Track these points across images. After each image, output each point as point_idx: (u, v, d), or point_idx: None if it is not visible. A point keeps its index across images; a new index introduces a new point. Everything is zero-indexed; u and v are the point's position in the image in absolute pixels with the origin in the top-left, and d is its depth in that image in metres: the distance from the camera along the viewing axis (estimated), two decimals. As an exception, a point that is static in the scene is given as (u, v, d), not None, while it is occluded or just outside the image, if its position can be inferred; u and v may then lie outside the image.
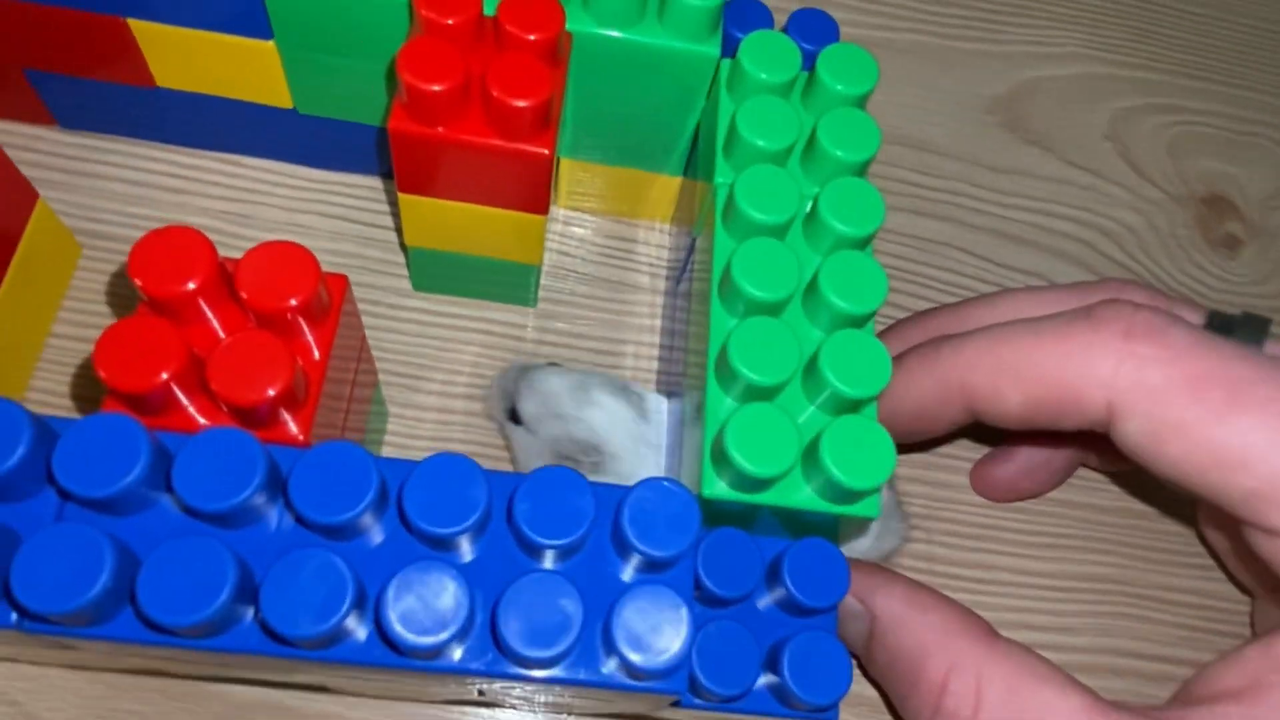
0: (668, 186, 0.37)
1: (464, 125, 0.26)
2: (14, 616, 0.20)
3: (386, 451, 0.33)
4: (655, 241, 0.39)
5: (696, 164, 0.33)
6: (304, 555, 0.19)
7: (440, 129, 0.26)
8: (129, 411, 0.21)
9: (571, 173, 0.36)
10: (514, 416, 0.31)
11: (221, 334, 0.23)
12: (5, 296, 0.30)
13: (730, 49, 0.30)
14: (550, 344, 0.36)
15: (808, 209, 0.27)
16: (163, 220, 0.36)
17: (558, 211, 0.39)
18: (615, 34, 0.29)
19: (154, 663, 0.26)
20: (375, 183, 0.38)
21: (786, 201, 0.26)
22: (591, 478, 0.21)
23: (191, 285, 0.21)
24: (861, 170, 0.27)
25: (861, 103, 0.28)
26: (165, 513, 0.21)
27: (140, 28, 0.30)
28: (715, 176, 0.28)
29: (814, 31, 0.32)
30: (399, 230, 0.37)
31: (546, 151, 0.27)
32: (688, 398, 0.28)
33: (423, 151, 0.27)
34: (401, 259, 0.36)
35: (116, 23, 0.30)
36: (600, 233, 0.39)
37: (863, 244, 0.26)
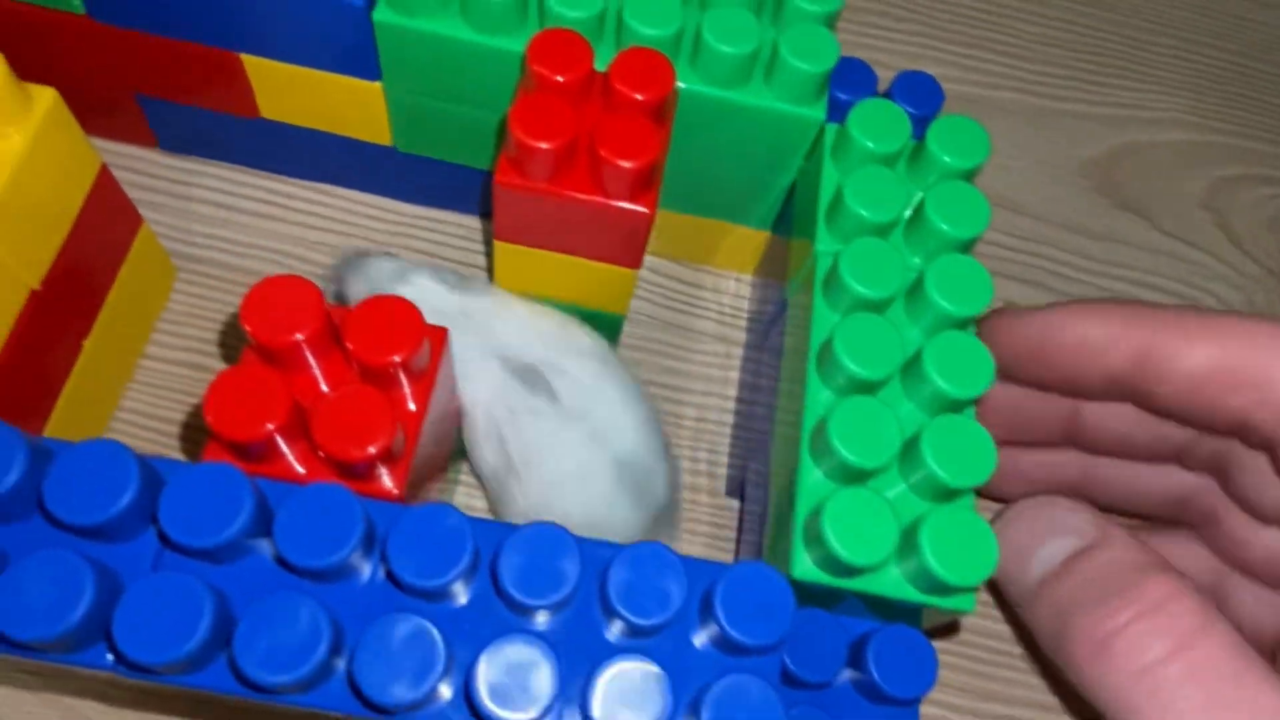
0: (747, 238, 0.36)
1: (569, 181, 0.26)
2: (110, 659, 0.20)
3: (459, 491, 0.33)
4: (728, 290, 0.38)
5: (791, 222, 0.32)
6: (396, 619, 0.19)
7: (545, 184, 0.26)
8: (231, 458, 0.21)
9: (658, 219, 0.36)
10: (340, 298, 0.31)
11: (324, 385, 0.23)
12: (105, 317, 0.30)
13: (835, 112, 0.30)
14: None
15: (912, 283, 0.26)
16: (254, 245, 0.36)
17: (641, 257, 0.38)
18: (722, 94, 0.29)
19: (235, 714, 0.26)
20: (467, 220, 0.38)
21: (891, 276, 0.25)
22: None
23: (300, 336, 0.22)
24: (969, 246, 0.27)
25: (971, 176, 0.28)
26: (260, 562, 0.21)
27: (252, 63, 0.31)
28: (817, 244, 0.27)
29: (919, 95, 0.31)
30: (489, 270, 0.37)
31: (648, 211, 0.27)
32: (776, 466, 0.27)
33: (526, 205, 0.27)
34: (485, 298, 0.36)
35: (230, 57, 0.31)
36: (666, 275, 0.38)
37: (967, 324, 0.26)
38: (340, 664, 0.20)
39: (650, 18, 0.28)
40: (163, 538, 0.20)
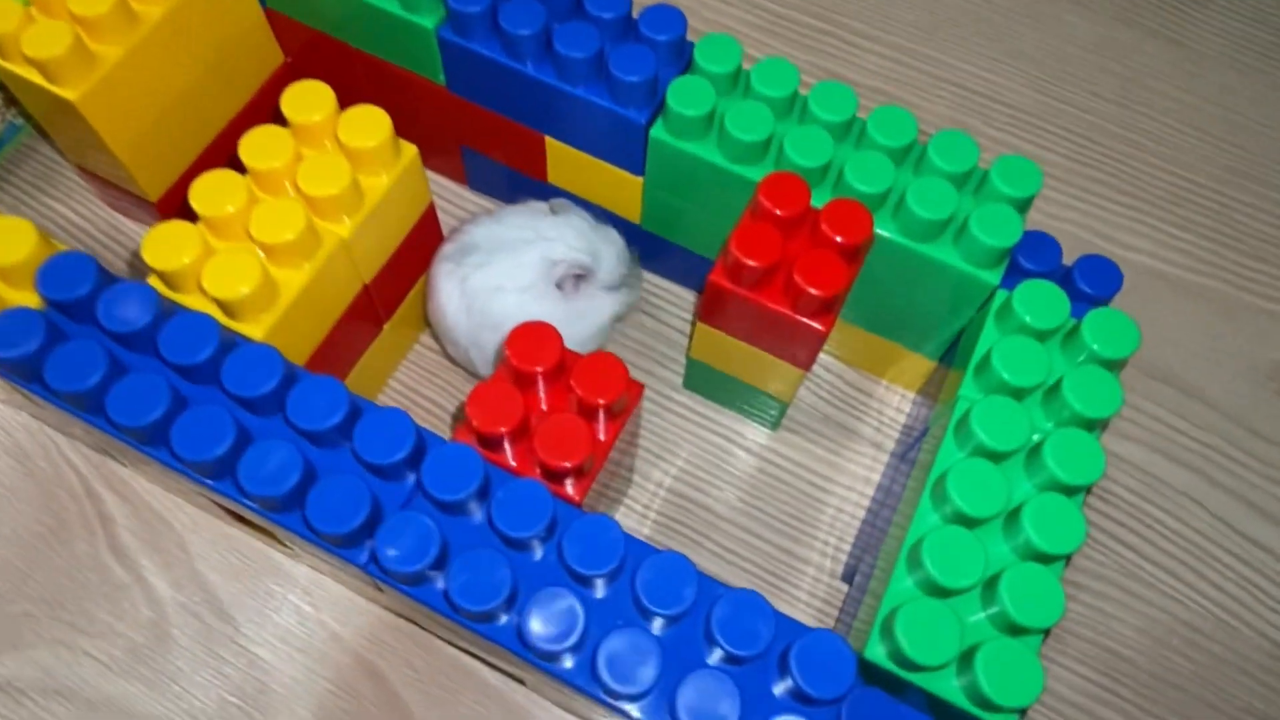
0: (917, 363, 0.41)
1: (767, 293, 0.33)
2: (366, 561, 0.28)
3: (622, 510, 0.40)
4: (891, 403, 0.43)
5: (952, 360, 0.37)
6: (556, 593, 0.26)
7: (748, 291, 0.33)
8: (473, 443, 0.29)
9: (842, 330, 0.42)
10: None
11: (546, 406, 0.30)
12: (403, 309, 0.40)
13: (1015, 276, 0.35)
14: (774, 464, 0.41)
15: (1033, 444, 0.30)
16: (515, 275, 0.45)
17: (820, 355, 0.44)
18: (913, 245, 0.34)
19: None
20: (683, 292, 0.45)
21: (1015, 434, 0.30)
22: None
23: (539, 369, 0.29)
24: (1095, 425, 0.30)
25: (1116, 367, 0.31)
26: (475, 523, 0.29)
27: (552, 143, 0.40)
28: (962, 388, 0.32)
29: (1098, 277, 0.35)
30: (690, 340, 0.44)
31: (824, 330, 0.33)
32: (880, 563, 0.32)
33: (730, 304, 0.34)
34: (683, 360, 0.44)
35: (537, 136, 0.40)
36: (842, 379, 0.44)
37: (1074, 491, 0.29)
38: (510, 614, 0.28)
39: (865, 176, 0.34)
40: (419, 485, 0.28)
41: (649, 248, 0.44)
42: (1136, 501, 0.42)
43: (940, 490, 0.29)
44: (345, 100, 0.34)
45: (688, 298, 0.45)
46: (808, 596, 0.39)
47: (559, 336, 0.30)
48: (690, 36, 0.41)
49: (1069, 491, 0.29)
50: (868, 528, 0.39)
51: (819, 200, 0.35)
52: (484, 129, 0.42)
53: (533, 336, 0.30)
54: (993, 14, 0.55)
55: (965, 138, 0.35)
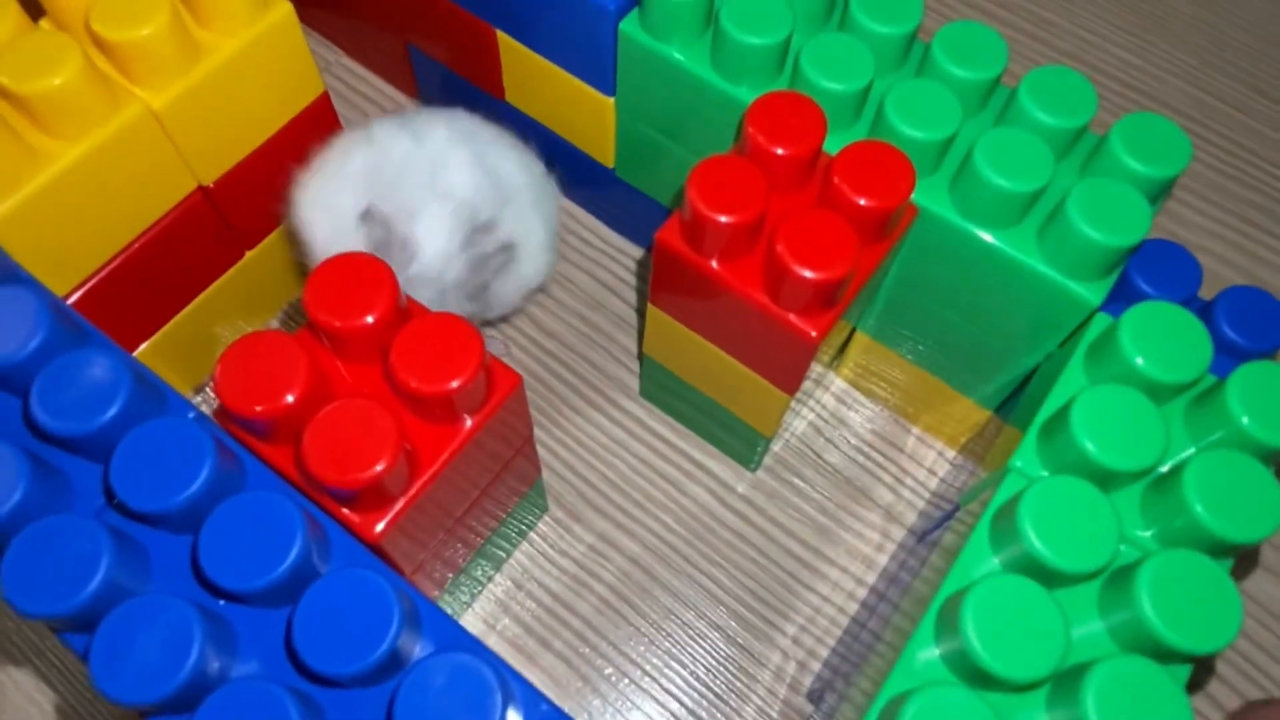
0: (965, 411, 0.29)
1: (737, 268, 0.22)
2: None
3: (517, 556, 0.29)
4: (925, 461, 0.31)
5: (1016, 413, 0.25)
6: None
7: (708, 262, 0.22)
8: (225, 422, 0.19)
9: (865, 352, 0.30)
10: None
11: (348, 378, 0.20)
12: (279, 235, 0.30)
13: (1124, 300, 0.23)
14: (750, 519, 0.30)
15: (1119, 567, 0.18)
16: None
17: (833, 380, 0.33)
18: (975, 230, 0.23)
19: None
20: (662, 268, 0.34)
21: (1093, 546, 0.18)
22: None
23: (344, 323, 0.19)
24: (1231, 550, 0.18)
25: (1275, 458, 0.19)
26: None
27: (506, 42, 0.30)
28: (1014, 458, 0.20)
29: (1253, 319, 0.23)
30: (640, 331, 0.33)
31: (815, 335, 0.21)
32: (863, 686, 0.21)
33: (684, 275, 0.23)
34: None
35: (487, 29, 0.30)
36: (869, 425, 0.32)
37: (1183, 658, 0.18)
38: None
39: (917, 113, 0.22)
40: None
41: (626, 202, 0.33)
42: None
43: (950, 620, 0.18)
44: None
45: (671, 280, 0.34)
46: (753, 716, 0.28)
47: (389, 274, 0.20)
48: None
49: (1173, 658, 0.17)
50: (857, 630, 0.28)
51: (841, 143, 0.23)
52: (429, 19, 0.32)
53: (350, 272, 0.19)
54: (1137, -21, 0.42)
55: (1078, 78, 0.23)
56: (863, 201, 0.21)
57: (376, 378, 0.20)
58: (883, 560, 0.30)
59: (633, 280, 0.34)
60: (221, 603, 0.18)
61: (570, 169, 0.33)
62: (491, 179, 0.26)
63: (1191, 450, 0.20)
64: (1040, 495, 0.18)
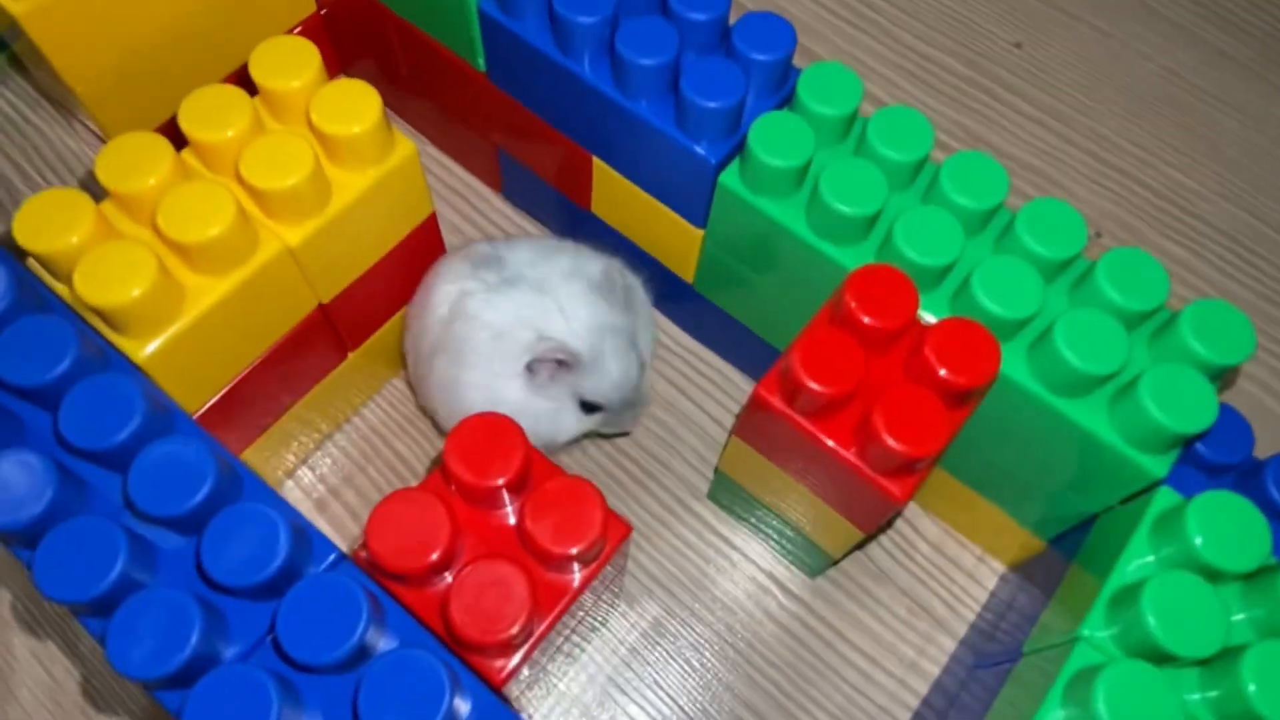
0: (1021, 538, 0.31)
1: (831, 428, 0.23)
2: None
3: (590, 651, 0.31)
4: (980, 578, 0.33)
5: (1076, 550, 0.27)
6: None
7: (803, 418, 0.24)
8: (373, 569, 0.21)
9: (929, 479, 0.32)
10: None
11: (477, 541, 0.22)
12: (376, 339, 0.32)
13: (1191, 475, 0.24)
14: (799, 620, 0.32)
15: (1184, 743, 0.20)
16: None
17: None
18: (1051, 399, 0.24)
19: None
20: (734, 375, 0.36)
21: (1160, 727, 0.20)
22: None
23: (485, 482, 0.21)
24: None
25: (1328, 646, 0.21)
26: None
27: (600, 167, 0.31)
28: (1084, 626, 0.22)
29: (1302, 484, 0.25)
30: (724, 446, 0.35)
31: (902, 499, 0.23)
32: None
33: (778, 429, 0.24)
34: (713, 462, 0.34)
35: (584, 154, 0.31)
36: (922, 535, 0.34)
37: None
38: None
39: (1002, 290, 0.24)
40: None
41: (700, 313, 0.35)
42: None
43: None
44: (383, 84, 0.26)
45: (739, 383, 0.36)
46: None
47: (521, 436, 0.21)
48: (800, 61, 0.32)
49: (1230, 837, 0.19)
50: (909, 741, 0.29)
51: (930, 312, 0.25)
52: (524, 133, 0.33)
53: (486, 432, 0.21)
54: (1186, 94, 0.44)
55: (1152, 262, 0.25)
56: (952, 378, 0.23)
57: (501, 522, 0.22)
58: (935, 671, 0.31)
59: (700, 381, 0.36)
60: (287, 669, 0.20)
61: (649, 277, 0.35)
62: (620, 295, 0.29)
63: (1256, 646, 0.21)
64: (1118, 681, 0.20)
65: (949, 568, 0.33)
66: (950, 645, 0.32)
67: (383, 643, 0.20)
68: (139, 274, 0.22)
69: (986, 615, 0.32)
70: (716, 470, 0.32)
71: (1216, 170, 0.42)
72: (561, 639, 0.25)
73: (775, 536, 0.32)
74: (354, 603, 0.19)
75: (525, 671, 0.23)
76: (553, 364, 0.27)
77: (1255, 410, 0.36)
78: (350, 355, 0.32)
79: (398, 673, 0.19)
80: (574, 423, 0.29)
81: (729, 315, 0.33)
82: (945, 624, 0.32)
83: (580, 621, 0.26)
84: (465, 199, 0.39)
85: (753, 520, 0.32)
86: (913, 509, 0.34)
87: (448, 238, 0.36)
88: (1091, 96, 0.44)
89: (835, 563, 0.31)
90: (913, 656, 0.32)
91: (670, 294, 0.35)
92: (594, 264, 0.29)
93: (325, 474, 0.33)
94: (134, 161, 0.24)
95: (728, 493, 0.32)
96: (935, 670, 0.32)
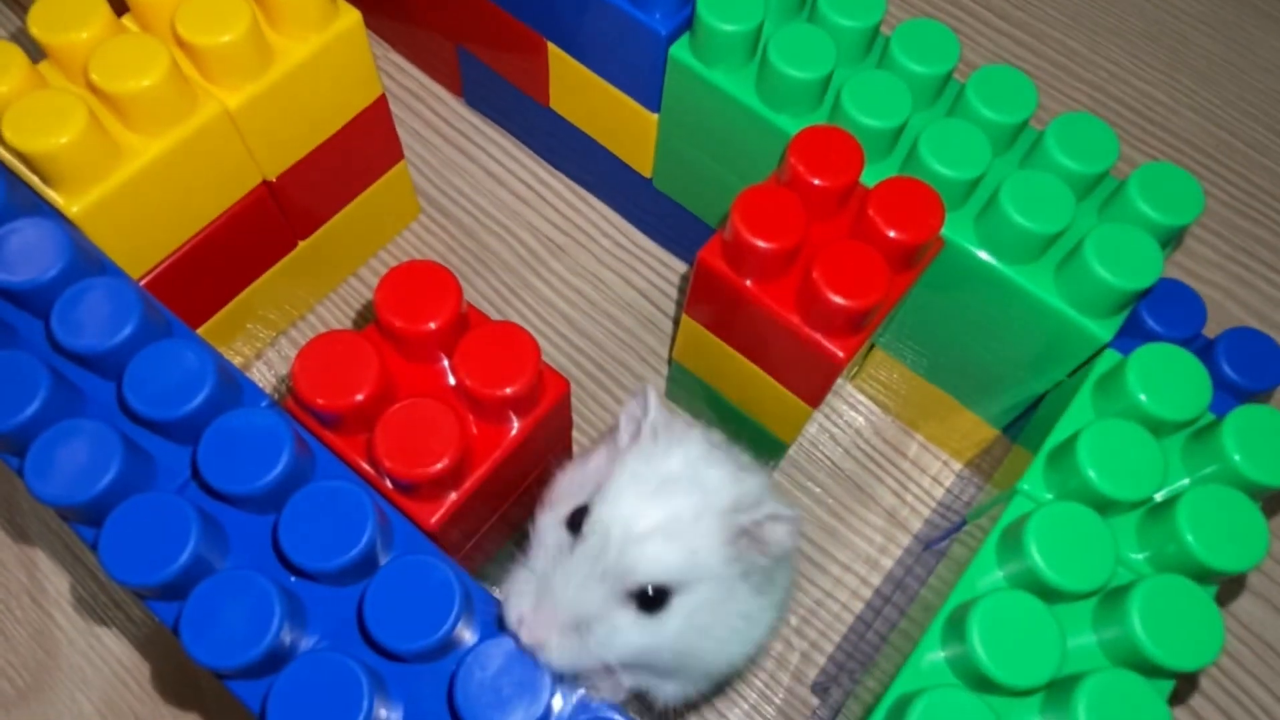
0: (973, 427, 0.31)
1: (773, 290, 0.23)
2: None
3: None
4: (930, 470, 0.33)
5: (1020, 434, 0.27)
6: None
7: (748, 282, 0.23)
8: (304, 416, 0.21)
9: (877, 363, 0.32)
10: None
11: (405, 383, 0.22)
12: (330, 228, 0.32)
13: (1131, 337, 0.24)
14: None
15: (1116, 586, 0.20)
16: (494, 217, 0.36)
17: (843, 385, 0.34)
18: (998, 265, 0.24)
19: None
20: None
21: (1090, 568, 0.19)
22: None
23: (420, 326, 0.20)
24: (1217, 577, 0.20)
25: (1264, 494, 0.21)
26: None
27: (556, 54, 0.31)
28: (1022, 481, 0.22)
29: (1254, 360, 0.24)
30: (673, 336, 0.34)
31: (843, 356, 0.23)
32: (870, 685, 0.22)
33: (722, 293, 0.24)
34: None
35: (538, 40, 0.31)
36: (869, 423, 0.34)
37: (1166, 674, 0.19)
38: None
39: (949, 152, 0.24)
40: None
41: (661, 214, 0.34)
42: (1264, 698, 0.31)
43: (957, 628, 0.19)
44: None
45: (698, 285, 0.36)
46: (756, 701, 0.29)
47: (454, 283, 0.21)
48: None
49: (1159, 673, 0.19)
50: (863, 629, 0.29)
51: (876, 175, 0.25)
52: (480, 24, 0.33)
53: (419, 281, 0.21)
54: (1160, 11, 0.44)
55: (1101, 126, 0.24)
56: (894, 234, 0.22)
57: (436, 376, 0.22)
58: (887, 563, 0.31)
59: (662, 284, 0.36)
60: (293, 579, 0.19)
61: (608, 176, 0.35)
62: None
63: (1186, 483, 0.21)
64: (1045, 518, 0.20)
65: (903, 463, 0.33)
66: (904, 539, 0.32)
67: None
68: (69, 121, 0.22)
69: (942, 511, 0.32)
70: (671, 362, 0.31)
71: (1187, 85, 0.42)
72: (511, 517, 0.25)
73: (731, 427, 0.31)
74: (361, 509, 0.18)
75: (471, 545, 0.23)
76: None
77: (1218, 316, 0.36)
78: (300, 244, 0.31)
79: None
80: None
81: (689, 212, 0.33)
82: (900, 519, 0.32)
83: (530, 497, 0.26)
84: (426, 104, 0.39)
85: (710, 412, 0.32)
86: (865, 403, 0.34)
87: (410, 145, 0.35)
88: (1063, 11, 0.43)
89: (786, 451, 0.31)
90: (864, 547, 0.32)
91: (630, 192, 0.34)
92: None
93: (281, 372, 0.33)
94: (68, 16, 0.24)
95: (684, 387, 0.32)
96: (888, 563, 0.31)
